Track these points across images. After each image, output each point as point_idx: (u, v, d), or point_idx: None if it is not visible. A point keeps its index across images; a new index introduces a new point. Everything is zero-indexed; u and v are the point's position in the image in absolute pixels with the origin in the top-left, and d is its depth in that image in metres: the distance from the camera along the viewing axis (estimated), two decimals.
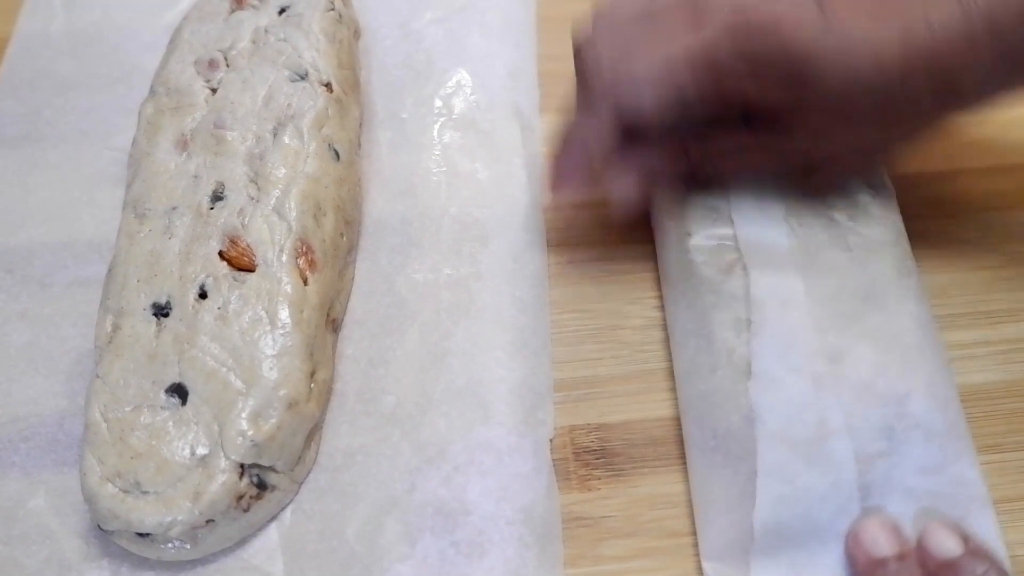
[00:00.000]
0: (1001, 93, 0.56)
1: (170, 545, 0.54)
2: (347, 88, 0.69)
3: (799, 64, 0.54)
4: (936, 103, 0.56)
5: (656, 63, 0.56)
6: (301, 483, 0.58)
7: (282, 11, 0.71)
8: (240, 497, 0.54)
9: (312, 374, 0.58)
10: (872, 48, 0.53)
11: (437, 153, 0.72)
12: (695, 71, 0.56)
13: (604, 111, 0.59)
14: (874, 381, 0.54)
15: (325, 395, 0.60)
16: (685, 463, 0.59)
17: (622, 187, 0.61)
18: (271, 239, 0.59)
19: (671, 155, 0.62)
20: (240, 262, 0.59)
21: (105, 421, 0.55)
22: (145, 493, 0.53)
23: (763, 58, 0.55)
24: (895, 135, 0.59)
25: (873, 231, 0.60)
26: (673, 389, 0.61)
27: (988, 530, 0.53)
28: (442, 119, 0.73)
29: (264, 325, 0.57)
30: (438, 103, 0.74)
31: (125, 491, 0.53)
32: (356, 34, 0.75)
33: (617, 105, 0.58)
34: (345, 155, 0.66)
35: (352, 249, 0.66)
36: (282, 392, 0.55)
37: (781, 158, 0.60)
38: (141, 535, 0.53)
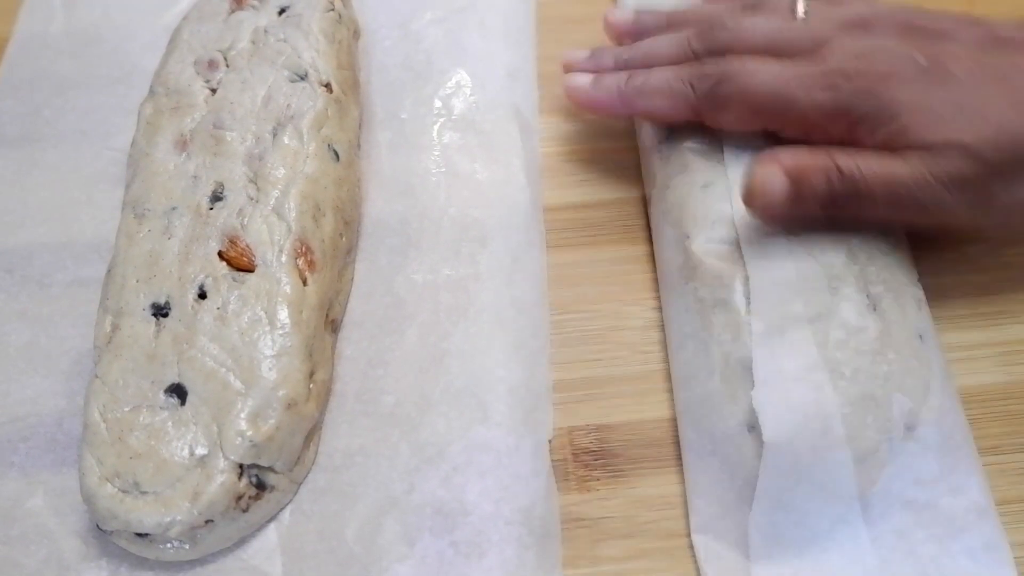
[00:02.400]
0: None
1: (169, 545, 0.54)
2: (347, 88, 0.69)
3: (894, 118, 0.58)
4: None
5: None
6: (300, 483, 0.58)
7: (282, 11, 0.71)
8: (239, 497, 0.54)
9: (311, 374, 0.58)
10: (981, 119, 0.56)
11: (436, 154, 0.71)
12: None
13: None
14: (873, 392, 0.54)
15: (324, 396, 0.60)
16: (683, 465, 0.59)
17: (773, 180, 0.59)
18: (270, 239, 0.59)
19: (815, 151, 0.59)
20: (239, 262, 0.59)
21: (104, 421, 0.55)
22: (144, 493, 0.53)
23: (850, 103, 0.59)
24: (981, 214, 0.60)
25: (875, 236, 0.60)
26: (672, 391, 0.61)
27: (990, 540, 0.53)
28: (441, 120, 0.73)
29: (263, 325, 0.57)
30: (437, 104, 0.74)
31: (124, 491, 0.53)
32: (356, 35, 0.75)
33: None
34: (344, 156, 0.66)
35: (351, 250, 0.66)
36: (281, 392, 0.55)
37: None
38: (140, 535, 0.53)
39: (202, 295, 0.58)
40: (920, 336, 0.57)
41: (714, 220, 0.61)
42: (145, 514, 0.53)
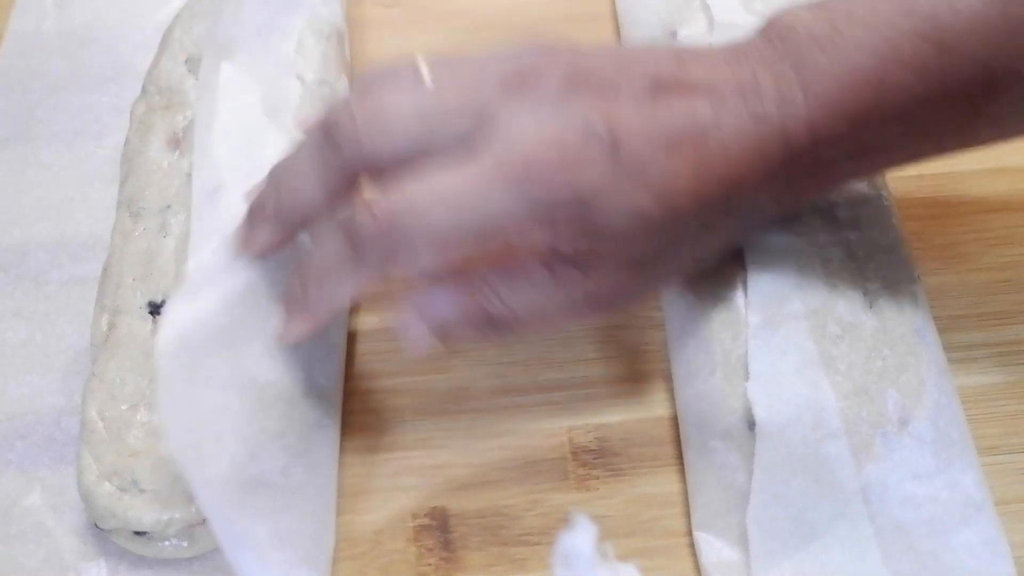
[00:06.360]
0: (807, 195, 0.57)
1: (167, 543, 0.54)
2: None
3: (586, 206, 0.48)
4: (734, 223, 0.54)
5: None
6: None
7: None
8: None
9: None
10: (662, 184, 0.49)
11: None
12: (461, 222, 0.48)
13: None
14: (867, 387, 0.54)
15: None
16: (683, 463, 0.59)
17: (417, 336, 0.52)
18: None
19: (462, 296, 0.52)
20: None
21: (102, 420, 0.55)
22: (142, 491, 0.53)
23: (545, 202, 0.48)
24: (688, 263, 0.56)
25: (874, 233, 0.60)
26: (672, 389, 0.61)
27: (989, 535, 0.53)
28: None
29: None
30: None
31: (122, 489, 0.53)
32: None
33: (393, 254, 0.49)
34: None
35: None
36: None
37: (581, 300, 0.53)
38: (138, 533, 0.53)
39: None
40: (917, 333, 0.57)
41: None
42: (143, 512, 0.53)
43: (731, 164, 0.50)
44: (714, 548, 0.55)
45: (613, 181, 0.49)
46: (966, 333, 0.64)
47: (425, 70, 0.50)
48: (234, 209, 0.55)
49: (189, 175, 0.63)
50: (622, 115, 0.49)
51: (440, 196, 0.48)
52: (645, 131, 0.49)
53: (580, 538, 0.41)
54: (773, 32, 0.52)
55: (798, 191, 0.55)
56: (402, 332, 0.52)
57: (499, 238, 0.49)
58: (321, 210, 0.52)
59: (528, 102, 0.49)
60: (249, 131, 0.62)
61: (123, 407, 0.55)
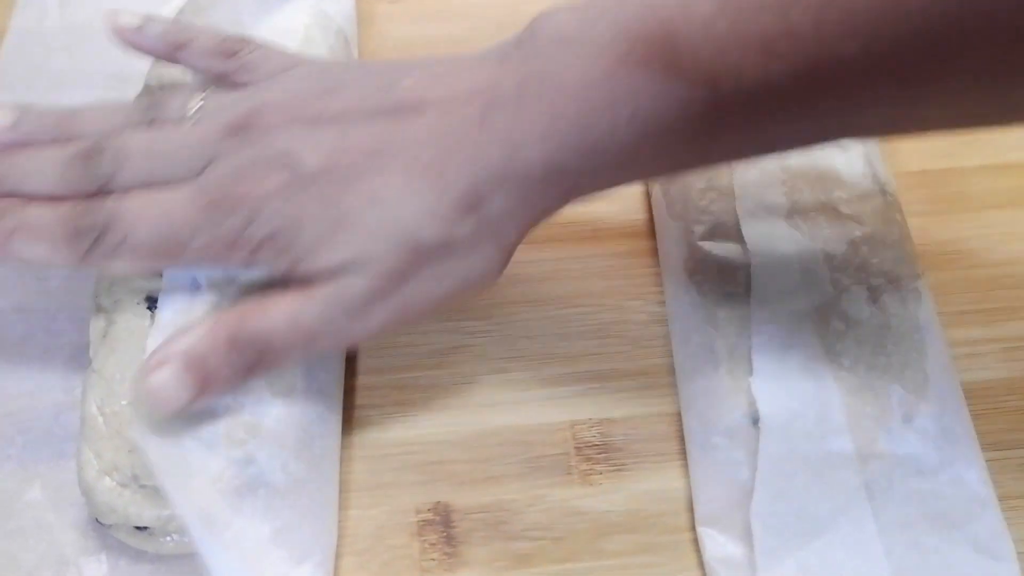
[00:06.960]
0: (562, 196, 0.54)
1: (168, 538, 0.53)
2: None
3: (288, 234, 0.52)
4: (485, 219, 0.53)
5: None
6: None
7: None
8: None
9: None
10: (383, 206, 0.52)
11: None
12: None
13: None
14: (871, 382, 0.54)
15: None
16: (687, 459, 0.59)
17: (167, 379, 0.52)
18: None
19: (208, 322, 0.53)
20: None
21: (102, 415, 0.55)
22: (143, 487, 0.53)
23: (236, 228, 0.53)
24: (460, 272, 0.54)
25: (878, 229, 0.60)
26: (675, 385, 0.61)
27: (993, 531, 0.53)
28: None
29: None
30: None
31: (123, 485, 0.53)
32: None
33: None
34: None
35: None
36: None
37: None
38: (139, 528, 0.53)
39: None
40: (921, 328, 0.57)
41: (718, 213, 0.61)
42: (144, 507, 0.52)
43: (451, 170, 0.51)
44: (718, 544, 0.55)
45: (314, 219, 0.52)
46: (970, 329, 0.63)
47: (192, 110, 0.56)
48: None
49: None
50: (341, 144, 0.53)
51: (154, 217, 0.53)
52: (366, 157, 0.52)
53: None
54: (527, 32, 0.52)
55: (544, 192, 0.53)
56: (156, 387, 0.51)
57: (197, 258, 0.54)
58: (39, 199, 0.55)
59: (241, 144, 0.54)
60: None
61: (123, 402, 0.55)
